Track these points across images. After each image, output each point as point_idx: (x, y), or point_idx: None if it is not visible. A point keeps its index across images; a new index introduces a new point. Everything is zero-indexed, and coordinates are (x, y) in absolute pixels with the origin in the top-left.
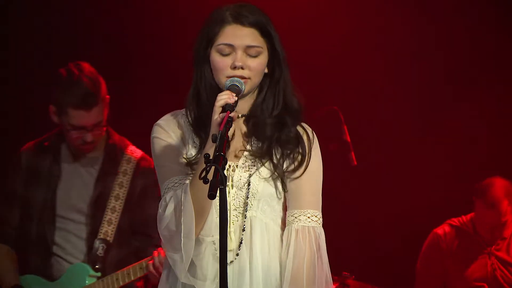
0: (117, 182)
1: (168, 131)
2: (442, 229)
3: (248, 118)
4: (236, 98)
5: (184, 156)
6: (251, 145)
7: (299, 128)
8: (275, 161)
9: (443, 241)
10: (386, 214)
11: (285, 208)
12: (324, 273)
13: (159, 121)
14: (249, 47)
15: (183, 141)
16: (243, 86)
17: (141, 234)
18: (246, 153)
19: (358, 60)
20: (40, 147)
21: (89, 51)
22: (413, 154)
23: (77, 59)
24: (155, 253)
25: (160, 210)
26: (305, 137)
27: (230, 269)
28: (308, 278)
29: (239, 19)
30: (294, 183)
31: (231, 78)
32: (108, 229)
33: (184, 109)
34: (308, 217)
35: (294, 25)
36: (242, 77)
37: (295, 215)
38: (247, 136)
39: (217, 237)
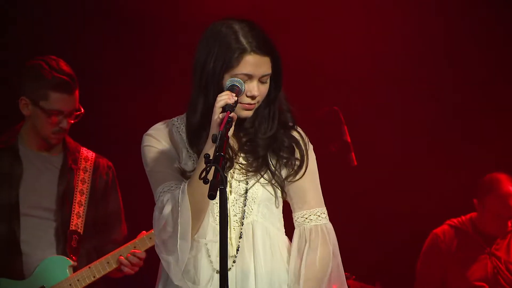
0: (79, 179)
1: (160, 139)
2: (442, 230)
3: (240, 130)
4: (236, 98)
5: (177, 165)
6: (246, 159)
7: (292, 132)
8: (272, 170)
9: (442, 241)
10: (386, 214)
11: (281, 214)
12: (339, 272)
13: (149, 131)
14: (263, 76)
15: (176, 149)
16: (243, 86)
17: (101, 232)
18: (244, 164)
19: (359, 60)
20: None
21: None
22: (413, 154)
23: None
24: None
25: (156, 213)
26: (300, 141)
27: (229, 275)
28: (323, 272)
29: (258, 49)
30: (296, 185)
31: (231, 79)
32: (78, 222)
33: (173, 119)
34: (318, 216)
35: (296, 25)
36: (254, 104)
37: (305, 216)
38: (241, 149)
39: (210, 239)
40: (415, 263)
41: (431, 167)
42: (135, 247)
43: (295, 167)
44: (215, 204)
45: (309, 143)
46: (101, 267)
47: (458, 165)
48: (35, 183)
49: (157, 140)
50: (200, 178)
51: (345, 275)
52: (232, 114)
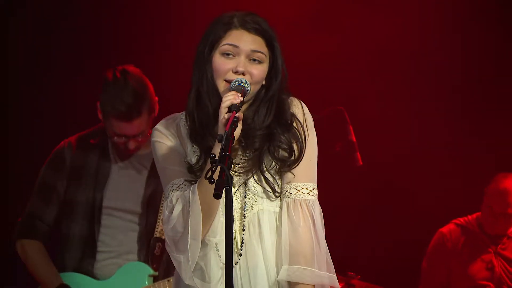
0: None
1: (167, 134)
2: (448, 228)
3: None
4: (242, 99)
5: (185, 160)
6: (244, 155)
7: (294, 122)
8: (266, 174)
9: (448, 240)
10: (391, 214)
11: None
12: (322, 249)
13: (157, 126)
14: (253, 51)
15: (182, 144)
16: (249, 87)
17: None
18: (240, 162)
19: (363, 60)
20: (86, 144)
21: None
22: (418, 154)
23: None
24: None
25: (166, 212)
26: (300, 135)
27: (237, 269)
28: (305, 253)
29: (246, 26)
30: None
31: (237, 79)
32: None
33: (182, 113)
34: (298, 190)
35: (300, 25)
36: None
37: (286, 189)
38: (239, 143)
39: (220, 238)
40: (420, 263)
41: (436, 166)
42: None
43: (290, 166)
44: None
45: (308, 121)
46: None
47: (464, 164)
48: (122, 183)
49: (165, 135)
50: (206, 177)
51: (351, 275)
52: (238, 114)
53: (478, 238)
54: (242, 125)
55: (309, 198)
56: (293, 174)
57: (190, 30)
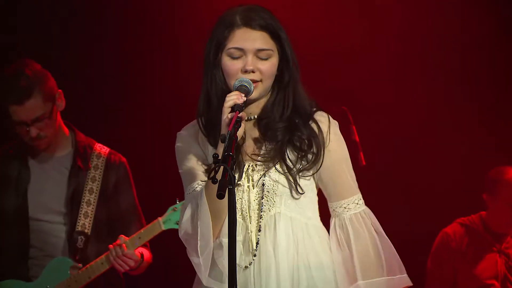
0: (89, 177)
1: (189, 139)
2: (452, 228)
3: (260, 121)
4: (245, 99)
5: (202, 163)
6: (265, 147)
7: (312, 124)
8: (288, 163)
9: (452, 240)
10: (394, 214)
11: (315, 201)
12: (391, 252)
13: (181, 131)
14: (259, 50)
15: (202, 147)
16: (252, 87)
17: (117, 230)
18: (261, 153)
19: (367, 60)
20: (6, 155)
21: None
22: (422, 154)
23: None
24: (110, 246)
25: (180, 216)
26: (318, 134)
27: (251, 270)
28: (378, 257)
29: (249, 23)
30: (328, 175)
31: (240, 79)
32: (85, 222)
33: None
34: (356, 203)
35: (303, 24)
36: (254, 81)
37: (344, 205)
38: (260, 138)
39: (238, 238)
40: (423, 263)
41: (439, 166)
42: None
43: (310, 162)
44: (238, 200)
45: (333, 128)
46: (95, 268)
47: (468, 165)
48: (44, 186)
49: (186, 139)
50: (209, 178)
51: None
52: (241, 114)
53: (482, 237)
54: (262, 118)
55: (357, 210)
56: (334, 190)
57: (191, 29)
